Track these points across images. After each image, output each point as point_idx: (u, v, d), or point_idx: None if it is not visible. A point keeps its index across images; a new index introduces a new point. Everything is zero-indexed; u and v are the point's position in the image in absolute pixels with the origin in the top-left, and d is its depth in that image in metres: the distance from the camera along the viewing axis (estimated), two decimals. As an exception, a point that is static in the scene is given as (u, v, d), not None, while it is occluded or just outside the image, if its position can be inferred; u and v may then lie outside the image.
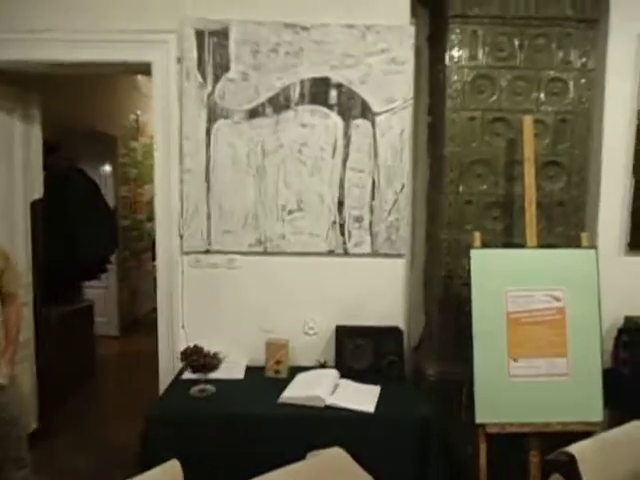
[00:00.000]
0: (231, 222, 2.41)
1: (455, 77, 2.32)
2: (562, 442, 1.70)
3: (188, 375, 2.15)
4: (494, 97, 2.34)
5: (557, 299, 2.12)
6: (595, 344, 2.13)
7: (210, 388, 2.07)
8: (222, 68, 2.37)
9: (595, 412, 2.08)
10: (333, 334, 2.40)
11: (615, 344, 2.47)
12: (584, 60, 2.33)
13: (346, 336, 2.36)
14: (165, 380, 2.30)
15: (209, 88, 2.37)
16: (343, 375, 2.23)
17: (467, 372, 2.10)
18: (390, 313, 2.46)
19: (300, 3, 2.38)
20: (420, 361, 2.49)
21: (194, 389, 2.07)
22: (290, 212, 2.42)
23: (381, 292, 2.47)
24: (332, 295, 2.46)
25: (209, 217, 2.41)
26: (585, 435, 1.97)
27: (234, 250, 2.41)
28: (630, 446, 1.79)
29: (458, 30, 2.31)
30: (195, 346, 2.10)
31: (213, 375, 2.10)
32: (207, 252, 2.42)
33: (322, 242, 2.43)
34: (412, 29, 2.39)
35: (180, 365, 2.22)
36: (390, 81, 2.39)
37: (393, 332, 2.39)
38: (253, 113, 2.39)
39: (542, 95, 2.34)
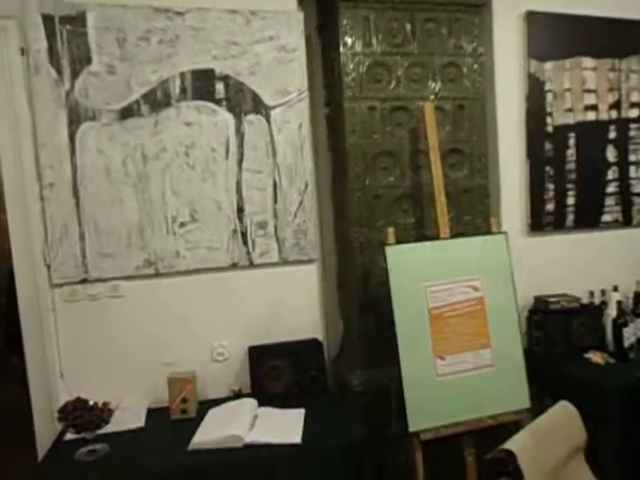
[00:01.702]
0: (111, 242, 2.03)
1: (350, 66, 2.17)
2: (493, 436, 1.62)
3: (72, 436, 1.75)
4: (392, 85, 2.23)
5: (475, 289, 2.06)
6: (514, 329, 2.11)
7: (102, 447, 1.70)
8: (82, 60, 1.98)
9: (522, 400, 2.05)
10: (246, 357, 2.13)
11: (528, 325, 2.51)
12: (474, 45, 2.31)
13: (260, 357, 2.10)
14: (45, 447, 1.86)
15: (67, 85, 1.97)
16: (262, 402, 1.97)
17: (394, 378, 1.96)
18: (307, 325, 2.25)
19: (171, -16, 2.07)
20: (343, 371, 2.31)
21: (81, 452, 1.68)
22: (182, 224, 2.10)
23: (295, 303, 2.24)
24: (240, 313, 2.18)
25: (82, 239, 2.00)
26: (515, 425, 1.94)
27: (118, 275, 2.03)
28: (561, 428, 1.77)
29: (348, 15, 2.16)
30: (77, 399, 1.70)
31: (105, 430, 1.73)
32: (84, 281, 2.01)
33: (223, 255, 2.14)
34: (300, 15, 2.20)
35: (61, 426, 1.80)
36: (282, 71, 2.17)
37: (312, 345, 2.18)
38: (126, 113, 2.03)
39: (439, 82, 2.27)
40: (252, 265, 2.18)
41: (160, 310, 2.10)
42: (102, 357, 2.03)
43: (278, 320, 2.22)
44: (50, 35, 1.95)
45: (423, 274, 2.00)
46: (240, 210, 2.15)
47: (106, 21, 2.00)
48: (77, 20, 1.97)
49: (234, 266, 2.16)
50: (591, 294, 2.54)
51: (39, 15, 1.93)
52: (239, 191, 2.15)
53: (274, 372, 2.09)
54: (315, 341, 2.20)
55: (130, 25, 2.02)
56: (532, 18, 2.44)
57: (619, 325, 2.27)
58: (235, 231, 2.15)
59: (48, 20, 1.94)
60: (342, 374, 2.31)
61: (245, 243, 2.16)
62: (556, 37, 2.48)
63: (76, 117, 1.99)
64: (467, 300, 2.03)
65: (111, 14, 2.00)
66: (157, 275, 2.08)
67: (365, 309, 2.23)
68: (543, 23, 2.45)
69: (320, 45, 2.40)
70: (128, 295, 2.06)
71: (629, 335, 2.27)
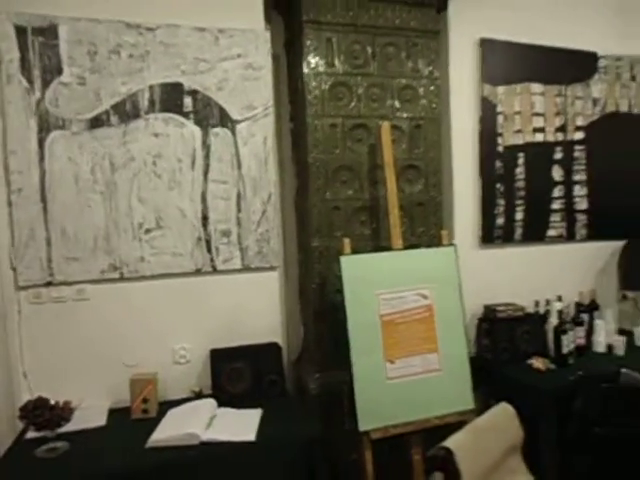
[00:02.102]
0: (77, 247, 2.09)
1: (314, 84, 2.30)
2: (439, 436, 1.74)
3: (33, 434, 1.81)
4: (352, 104, 2.36)
5: (425, 297, 2.20)
6: (460, 336, 2.25)
7: (62, 445, 1.76)
8: (52, 71, 2.06)
9: (467, 401, 2.19)
10: (208, 359, 2.22)
11: (477, 332, 2.66)
12: (431, 68, 2.46)
13: (222, 360, 2.19)
14: (6, 445, 1.90)
15: (37, 94, 2.04)
16: (222, 403, 2.06)
17: (347, 381, 2.08)
18: (268, 329, 2.35)
19: (142, 2, 2.16)
20: (301, 375, 2.42)
21: (41, 449, 1.74)
22: (148, 231, 2.18)
23: (256, 308, 2.34)
24: (203, 317, 2.27)
25: (49, 243, 2.06)
26: (461, 425, 2.08)
27: (83, 279, 2.10)
28: (499, 428, 1.92)
29: (312, 36, 2.29)
30: (38, 398, 1.77)
31: (66, 428, 1.80)
32: (49, 284, 2.07)
33: (187, 261, 2.23)
34: (267, 34, 2.32)
35: (22, 425, 1.86)
36: (248, 88, 2.28)
37: (271, 349, 2.28)
38: (95, 122, 2.11)
39: (396, 102, 2.42)
40: (215, 271, 2.27)
41: (124, 313, 2.17)
42: (66, 358, 2.09)
43: (240, 324, 2.31)
44: (22, 46, 2.01)
45: (376, 283, 2.13)
46: (205, 218, 2.25)
47: (78, 34, 2.08)
48: (49, 32, 2.05)
49: (198, 272, 2.25)
50: (536, 303, 2.72)
51: (12, 26, 2.00)
52: (204, 200, 2.24)
53: (234, 374, 2.18)
54: (275, 345, 2.30)
55: (101, 39, 2.11)
56: (486, 45, 2.62)
57: (559, 332, 2.44)
58: (199, 238, 2.24)
59: (21, 31, 2.01)
60: (301, 377, 2.42)
61: (209, 250, 2.26)
62: (508, 63, 2.67)
63: (46, 125, 2.05)
64: (417, 307, 2.16)
65: (83, 27, 2.08)
66: (122, 279, 2.15)
67: (322, 315, 2.34)
68: (496, 50, 2.63)
69: (286, 62, 2.52)
70: (93, 298, 2.12)
71: (568, 342, 2.45)
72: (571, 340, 2.47)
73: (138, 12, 2.14)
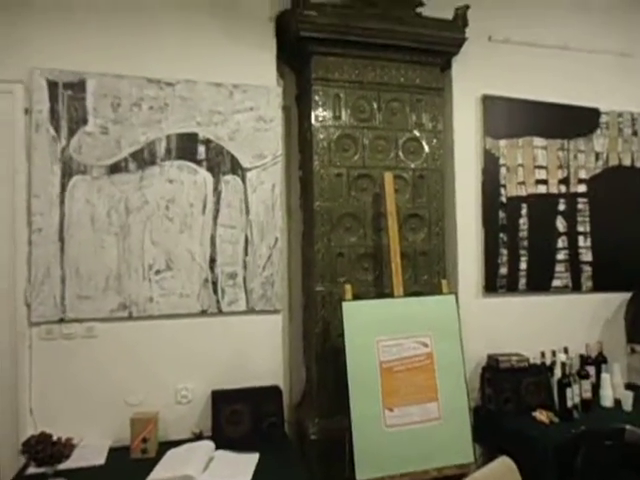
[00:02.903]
0: (90, 286, 2.19)
1: (321, 136, 2.42)
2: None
3: (33, 470, 1.84)
4: (357, 155, 2.47)
5: (425, 345, 2.21)
6: (461, 385, 2.25)
7: (61, 482, 1.79)
8: (78, 121, 2.22)
9: (467, 454, 2.16)
10: (209, 400, 2.25)
11: (481, 382, 2.64)
12: (434, 123, 2.58)
13: (223, 401, 2.22)
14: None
15: (63, 142, 2.19)
16: (221, 445, 2.07)
17: (348, 427, 2.08)
18: (269, 372, 2.38)
19: (163, 59, 2.33)
20: (303, 419, 2.42)
21: (40, 485, 1.77)
22: (158, 272, 2.27)
23: (259, 350, 2.38)
24: (207, 358, 2.31)
25: (63, 281, 2.16)
26: (460, 478, 2.04)
27: (93, 317, 2.18)
28: (498, 484, 1.88)
29: (321, 92, 2.43)
30: (41, 434, 1.81)
31: (65, 465, 1.83)
32: (61, 321, 2.15)
33: (194, 302, 2.30)
34: (279, 89, 2.47)
35: (24, 459, 1.89)
36: (259, 138, 2.41)
37: (272, 392, 2.30)
38: (114, 168, 2.25)
39: (400, 153, 2.52)
40: (220, 312, 2.34)
41: (130, 352, 2.23)
42: (71, 394, 2.14)
43: (242, 366, 2.35)
44: (52, 98, 2.19)
45: (376, 329, 2.16)
46: (212, 261, 2.33)
47: (103, 88, 2.25)
48: (78, 86, 2.22)
49: (203, 313, 2.31)
50: (542, 354, 2.70)
51: (45, 81, 2.18)
52: (213, 244, 2.34)
53: (234, 416, 2.20)
54: (276, 388, 2.32)
55: (125, 92, 2.27)
56: (488, 101, 2.73)
57: (563, 385, 2.41)
58: (206, 280, 2.32)
59: (52, 85, 2.19)
60: (302, 421, 2.42)
61: (215, 292, 2.33)
62: (510, 118, 2.77)
63: (69, 170, 2.20)
64: (417, 355, 2.18)
65: (108, 82, 2.25)
66: (130, 318, 2.23)
67: (324, 359, 2.37)
68: (498, 106, 2.74)
69: (297, 114, 2.67)
70: (101, 336, 2.19)
71: (572, 395, 2.41)
72: (576, 393, 2.43)
73: (159, 69, 2.31)
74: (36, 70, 2.16)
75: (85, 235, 2.20)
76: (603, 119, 2.95)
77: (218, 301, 2.33)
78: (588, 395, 2.53)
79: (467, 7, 2.51)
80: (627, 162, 3.00)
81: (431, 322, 2.24)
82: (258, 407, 2.22)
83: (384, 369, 2.13)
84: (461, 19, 2.51)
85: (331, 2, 2.38)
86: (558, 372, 2.53)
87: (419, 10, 2.50)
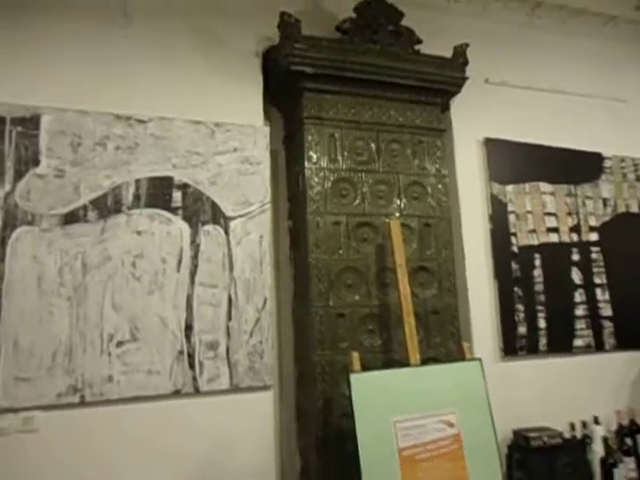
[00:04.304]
0: (31, 364, 1.73)
1: (315, 180, 2.13)
2: None
3: None
4: (357, 201, 2.18)
5: (450, 424, 1.82)
6: (496, 473, 1.84)
7: None
8: (28, 162, 1.85)
9: None
10: (182, 508, 1.76)
11: (508, 463, 2.24)
12: (437, 166, 2.33)
13: (200, 510, 1.74)
14: None
15: (7, 187, 1.82)
16: None
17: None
18: (258, 465, 1.92)
19: (135, 94, 2.04)
20: (299, 524, 1.94)
21: None
22: (120, 343, 1.84)
23: (245, 438, 1.93)
24: (180, 451, 1.84)
25: (-3, 359, 1.70)
26: None
27: (33, 405, 1.70)
28: None
29: (314, 131, 2.17)
30: None
31: None
32: (-10, 412, 1.67)
33: (164, 380, 1.86)
34: (267, 129, 2.19)
35: None
36: (244, 183, 2.10)
37: (263, 493, 1.83)
38: (70, 218, 1.87)
39: (404, 199, 2.25)
40: (198, 392, 1.89)
41: (82, 448, 1.74)
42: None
43: (223, 458, 1.88)
44: (-3, 135, 1.83)
45: (392, 407, 1.77)
46: (188, 328, 1.92)
47: (62, 124, 1.91)
48: (30, 122, 1.88)
49: (176, 393, 1.87)
50: (572, 426, 2.33)
51: (-11, 115, 1.83)
52: (189, 307, 1.94)
53: (215, 529, 1.71)
54: (267, 487, 1.86)
55: (87, 130, 1.94)
56: (490, 144, 2.53)
57: (609, 466, 2.05)
58: (181, 352, 1.90)
59: (-2, 120, 1.84)
60: (298, 528, 1.93)
61: (191, 366, 1.90)
62: (514, 162, 2.56)
63: (12, 221, 1.80)
64: (442, 439, 1.78)
65: (68, 118, 1.93)
66: (82, 404, 1.76)
67: (326, 445, 1.93)
68: (501, 149, 2.55)
69: (285, 158, 2.38)
70: (43, 429, 1.71)
71: (620, 477, 2.04)
72: (623, 474, 2.06)
73: (129, 105, 2.01)
74: (-21, 103, 1.82)
75: (29, 299, 1.78)
76: (607, 164, 2.79)
77: (195, 378, 1.89)
78: (633, 475, 2.16)
79: (467, 45, 2.35)
80: (634, 209, 2.82)
81: (454, 395, 1.86)
82: (245, 514, 1.75)
83: (404, 458, 1.72)
84: (461, 57, 2.35)
85: (326, 37, 2.18)
86: (597, 447, 2.17)
87: (417, 47, 2.33)
